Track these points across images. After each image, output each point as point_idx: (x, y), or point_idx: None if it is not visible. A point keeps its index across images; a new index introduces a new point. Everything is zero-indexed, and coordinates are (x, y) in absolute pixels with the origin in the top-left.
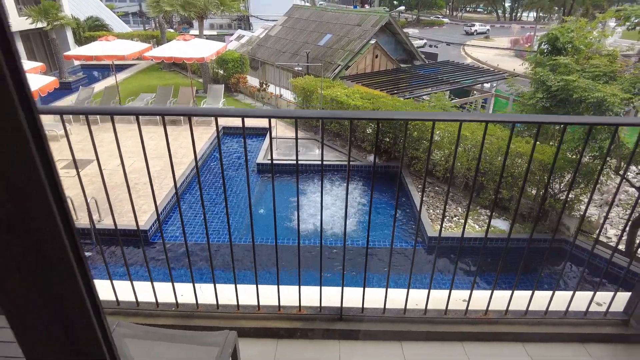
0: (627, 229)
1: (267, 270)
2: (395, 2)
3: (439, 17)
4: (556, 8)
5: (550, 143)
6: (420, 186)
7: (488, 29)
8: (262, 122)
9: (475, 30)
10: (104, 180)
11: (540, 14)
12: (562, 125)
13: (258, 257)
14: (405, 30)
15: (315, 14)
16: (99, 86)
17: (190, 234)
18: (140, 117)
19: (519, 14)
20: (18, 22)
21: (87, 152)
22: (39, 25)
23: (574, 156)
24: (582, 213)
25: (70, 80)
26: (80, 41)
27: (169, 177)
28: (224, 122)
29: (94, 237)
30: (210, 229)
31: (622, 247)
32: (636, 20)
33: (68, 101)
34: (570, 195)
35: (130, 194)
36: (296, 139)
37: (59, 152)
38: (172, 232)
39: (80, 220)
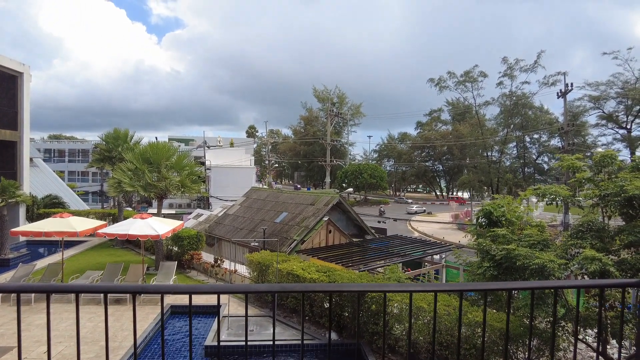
0: None
1: None
2: (344, 185)
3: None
4: (485, 187)
5: (506, 310)
6: None
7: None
8: (213, 299)
9: (415, 211)
10: None
11: (473, 192)
12: (508, 292)
13: None
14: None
15: (272, 195)
16: (42, 263)
17: None
18: (81, 296)
19: (454, 193)
20: None
21: (8, 337)
22: None
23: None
24: None
25: (11, 256)
26: (33, 217)
27: None
28: (172, 300)
29: None
30: None
31: None
32: (551, 197)
33: (2, 279)
34: None
35: None
36: (246, 316)
37: None
38: None
39: None
